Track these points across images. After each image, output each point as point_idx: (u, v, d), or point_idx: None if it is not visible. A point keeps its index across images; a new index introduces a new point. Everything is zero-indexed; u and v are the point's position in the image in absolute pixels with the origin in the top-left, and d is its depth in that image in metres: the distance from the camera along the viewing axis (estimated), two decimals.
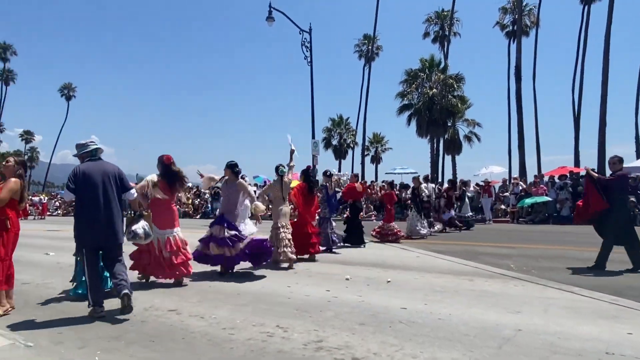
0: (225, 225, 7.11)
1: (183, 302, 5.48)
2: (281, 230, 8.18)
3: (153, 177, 6.60)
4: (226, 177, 7.54)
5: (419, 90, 36.27)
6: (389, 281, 6.57)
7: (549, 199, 19.50)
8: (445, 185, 18.25)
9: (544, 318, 4.58)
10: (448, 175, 38.08)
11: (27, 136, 77.17)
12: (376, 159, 51.68)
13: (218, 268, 7.39)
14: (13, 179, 5.17)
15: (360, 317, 4.66)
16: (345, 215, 12.67)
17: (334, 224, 10.58)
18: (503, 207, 21.47)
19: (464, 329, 4.23)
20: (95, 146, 5.21)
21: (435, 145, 37.68)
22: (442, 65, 36.54)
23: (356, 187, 11.58)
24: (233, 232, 7.08)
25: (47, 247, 11.26)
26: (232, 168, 7.47)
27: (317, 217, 10.22)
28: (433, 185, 15.26)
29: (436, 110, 34.33)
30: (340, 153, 49.16)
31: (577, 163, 33.66)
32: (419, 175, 14.84)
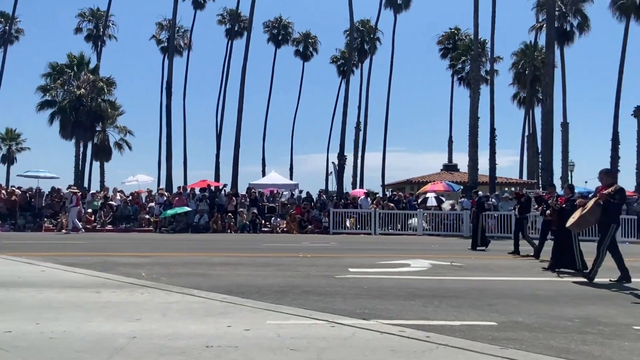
0: None
1: None
2: None
3: None
4: None
5: (65, 88, 32.94)
6: None
7: (190, 209, 20.91)
8: None
9: (161, 322, 4.82)
10: (95, 181, 35.99)
11: None
12: (8, 159, 44.05)
13: None
14: None
15: None
16: None
17: None
18: (147, 216, 21.68)
19: (77, 345, 4.01)
20: None
21: (82, 149, 34.93)
22: (93, 66, 34.41)
23: None
24: None
25: None
26: None
27: None
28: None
29: (84, 112, 31.88)
30: None
31: (217, 177, 37.49)
32: None
